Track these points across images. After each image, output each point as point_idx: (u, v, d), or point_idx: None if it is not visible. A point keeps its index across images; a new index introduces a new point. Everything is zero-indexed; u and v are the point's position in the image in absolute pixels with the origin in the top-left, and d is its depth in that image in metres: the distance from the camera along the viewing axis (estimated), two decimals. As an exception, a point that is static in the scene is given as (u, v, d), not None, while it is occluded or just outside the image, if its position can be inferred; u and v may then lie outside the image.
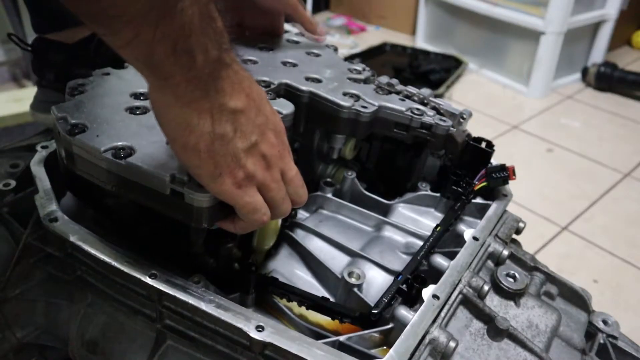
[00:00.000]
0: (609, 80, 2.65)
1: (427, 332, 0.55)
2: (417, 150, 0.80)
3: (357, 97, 0.74)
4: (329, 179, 0.83)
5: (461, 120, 0.77)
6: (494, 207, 0.75)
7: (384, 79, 0.82)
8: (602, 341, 0.70)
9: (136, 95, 0.65)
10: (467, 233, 0.70)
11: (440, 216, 0.79)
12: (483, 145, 0.78)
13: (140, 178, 0.54)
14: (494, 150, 0.77)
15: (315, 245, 0.71)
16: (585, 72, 2.73)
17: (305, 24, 0.88)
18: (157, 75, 0.44)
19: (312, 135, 0.80)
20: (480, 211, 0.76)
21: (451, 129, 0.75)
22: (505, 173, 0.74)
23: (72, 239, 0.59)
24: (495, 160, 0.79)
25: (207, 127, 0.46)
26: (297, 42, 0.89)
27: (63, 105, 0.62)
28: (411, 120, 0.74)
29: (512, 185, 0.76)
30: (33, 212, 0.65)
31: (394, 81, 0.82)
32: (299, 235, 0.73)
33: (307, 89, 0.73)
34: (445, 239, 0.72)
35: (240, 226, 0.56)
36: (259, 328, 0.52)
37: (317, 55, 0.85)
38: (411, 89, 0.81)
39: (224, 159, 0.48)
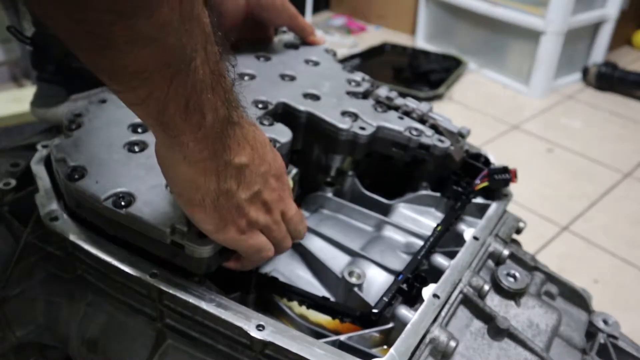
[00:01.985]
0: (609, 80, 2.64)
1: (427, 332, 0.55)
2: (415, 165, 0.80)
3: (355, 117, 0.74)
4: (329, 179, 0.83)
5: (460, 138, 0.78)
6: (494, 207, 0.75)
7: (382, 92, 0.82)
8: (602, 341, 0.70)
9: (134, 128, 0.65)
10: (468, 233, 0.70)
11: (440, 216, 0.79)
12: (481, 161, 0.78)
13: (140, 228, 0.55)
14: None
15: (316, 245, 0.71)
16: (585, 72, 2.73)
17: (307, 37, 0.89)
18: (167, 133, 0.44)
19: (311, 150, 0.80)
20: (481, 211, 0.76)
21: (449, 148, 0.75)
22: (507, 175, 0.74)
23: (72, 237, 0.59)
24: (495, 161, 0.79)
25: (212, 185, 0.47)
26: (295, 46, 0.89)
27: (62, 144, 0.63)
28: (409, 141, 0.75)
29: (512, 185, 0.76)
30: (33, 211, 0.65)
31: (393, 94, 0.83)
32: (300, 234, 0.73)
33: (305, 110, 0.73)
34: (446, 238, 0.71)
35: (246, 264, 0.58)
36: (260, 327, 0.52)
37: (316, 63, 0.86)
38: (410, 104, 0.81)
39: (229, 211, 0.50)
